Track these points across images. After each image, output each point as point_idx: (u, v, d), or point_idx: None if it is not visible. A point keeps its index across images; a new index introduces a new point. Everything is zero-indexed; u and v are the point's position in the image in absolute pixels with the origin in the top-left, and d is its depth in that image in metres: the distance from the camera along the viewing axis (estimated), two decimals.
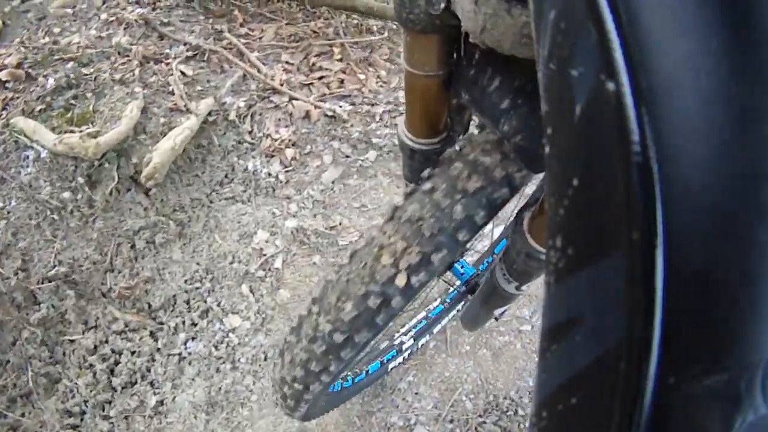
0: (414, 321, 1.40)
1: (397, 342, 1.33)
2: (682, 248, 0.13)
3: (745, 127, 0.13)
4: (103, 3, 2.34)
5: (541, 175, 0.48)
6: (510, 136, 0.42)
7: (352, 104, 2.08)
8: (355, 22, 2.59)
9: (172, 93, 1.99)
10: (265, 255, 1.72)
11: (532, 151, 0.42)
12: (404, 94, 0.50)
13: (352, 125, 1.99)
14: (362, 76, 2.20)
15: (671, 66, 0.13)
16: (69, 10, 2.28)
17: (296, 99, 2.05)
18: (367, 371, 1.23)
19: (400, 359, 1.35)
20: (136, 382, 1.51)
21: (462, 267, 1.07)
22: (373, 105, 2.09)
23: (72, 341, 1.57)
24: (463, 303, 1.33)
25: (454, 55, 0.44)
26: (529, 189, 0.64)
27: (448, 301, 1.42)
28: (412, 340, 1.35)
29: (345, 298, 0.54)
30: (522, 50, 0.35)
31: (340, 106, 2.06)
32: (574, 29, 0.15)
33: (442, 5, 0.36)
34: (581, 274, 0.16)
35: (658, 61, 0.13)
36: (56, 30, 2.17)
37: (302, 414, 0.76)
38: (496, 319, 0.98)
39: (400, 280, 0.50)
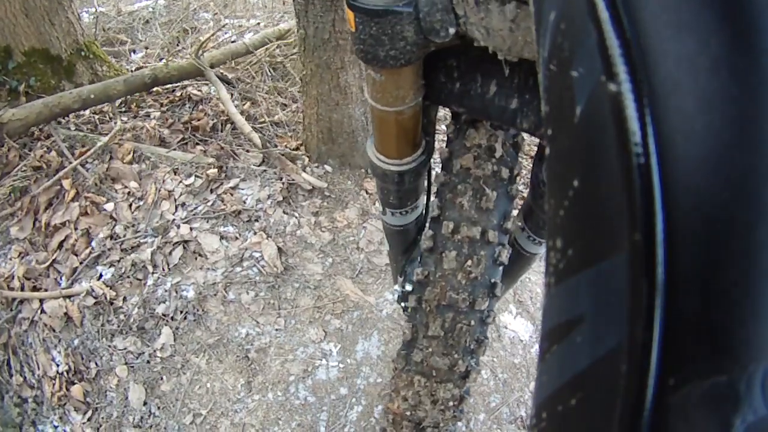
0: None
1: None
2: (682, 249, 0.13)
3: (745, 128, 0.13)
4: None
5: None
6: (533, 130, 0.41)
7: (111, 266, 1.45)
8: (85, 115, 1.83)
9: None
10: None
11: None
12: (377, 130, 0.48)
13: (123, 305, 1.39)
14: (109, 206, 1.54)
15: (671, 67, 0.13)
16: None
17: (46, 300, 1.45)
18: None
19: None
20: None
21: None
22: (135, 248, 1.45)
23: None
24: None
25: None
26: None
27: None
28: None
29: None
30: None
31: (100, 277, 1.44)
32: (574, 30, 0.15)
33: (452, 31, 0.34)
34: (582, 276, 0.16)
35: (658, 62, 0.13)
36: None
37: None
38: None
39: None
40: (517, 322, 1.42)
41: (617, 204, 0.14)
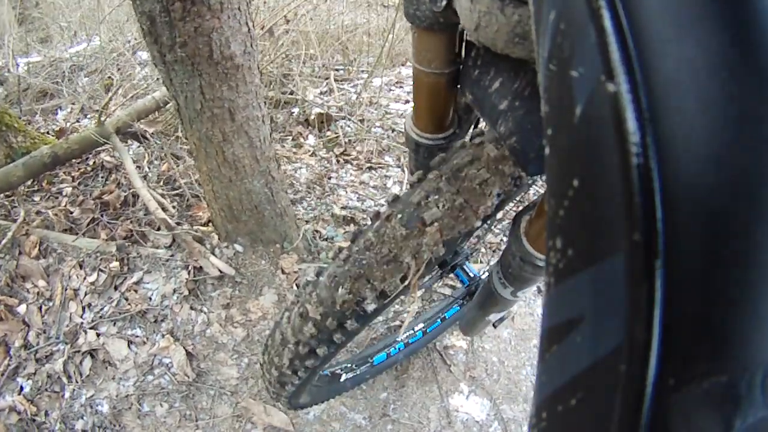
0: (418, 320, 1.31)
1: (402, 338, 1.28)
2: (682, 249, 0.13)
3: (745, 128, 0.12)
4: None
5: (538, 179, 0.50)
6: (506, 137, 0.41)
7: (29, 378, 1.35)
8: None
9: None
10: None
11: (526, 154, 0.40)
12: (412, 90, 0.50)
13: (45, 420, 1.30)
14: (21, 309, 1.42)
15: (671, 67, 0.13)
16: None
17: None
18: (372, 363, 1.21)
19: (402, 355, 1.28)
20: None
21: (466, 270, 1.07)
22: (49, 357, 1.34)
23: None
24: (464, 306, 1.29)
25: (462, 54, 0.44)
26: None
27: (447, 304, 1.32)
28: (419, 335, 1.29)
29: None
30: (515, 49, 0.34)
31: (21, 390, 1.35)
32: (574, 30, 0.15)
33: (443, 3, 0.36)
34: (581, 276, 0.15)
35: (658, 62, 0.13)
36: None
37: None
38: (494, 326, 0.94)
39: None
40: (470, 403, 1.24)
41: (617, 204, 0.13)
